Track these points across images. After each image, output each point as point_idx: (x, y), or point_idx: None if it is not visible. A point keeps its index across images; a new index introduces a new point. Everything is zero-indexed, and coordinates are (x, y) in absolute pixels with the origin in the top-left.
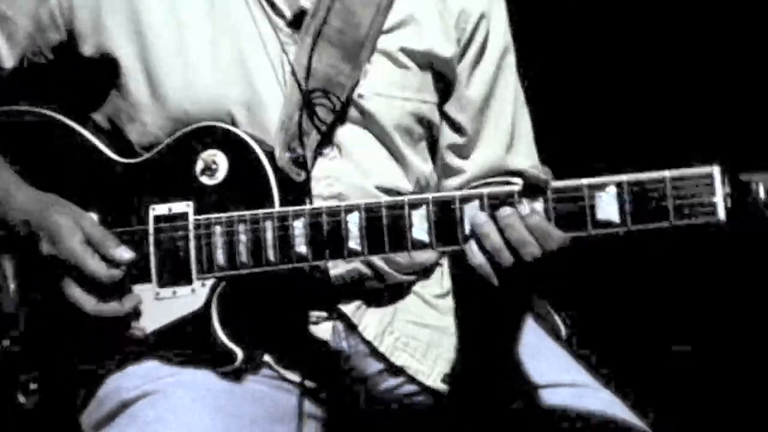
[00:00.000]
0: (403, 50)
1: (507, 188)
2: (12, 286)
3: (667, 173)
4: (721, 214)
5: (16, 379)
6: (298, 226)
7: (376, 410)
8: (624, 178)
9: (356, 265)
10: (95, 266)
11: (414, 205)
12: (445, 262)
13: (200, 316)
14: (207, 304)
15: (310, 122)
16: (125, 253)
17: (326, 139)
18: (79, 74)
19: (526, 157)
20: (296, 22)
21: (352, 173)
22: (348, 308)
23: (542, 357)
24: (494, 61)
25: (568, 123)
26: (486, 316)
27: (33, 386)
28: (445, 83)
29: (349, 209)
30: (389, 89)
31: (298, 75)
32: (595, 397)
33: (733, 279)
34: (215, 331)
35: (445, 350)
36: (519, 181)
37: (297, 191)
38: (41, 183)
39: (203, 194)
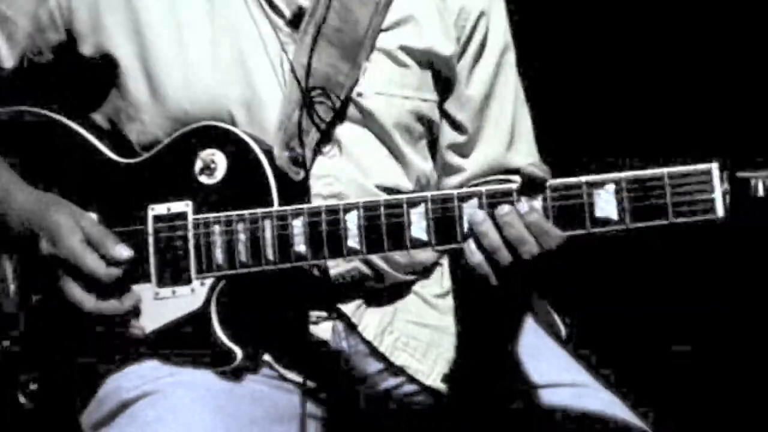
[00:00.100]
0: (402, 48)
1: (506, 186)
2: (12, 286)
3: (665, 170)
4: (720, 211)
5: (16, 379)
6: (297, 225)
7: (376, 410)
8: (622, 175)
9: (356, 264)
10: (94, 265)
11: (413, 204)
12: (445, 261)
13: (199, 316)
14: (206, 304)
15: (309, 121)
16: (124, 252)
17: (326, 138)
18: (79, 74)
19: (526, 156)
20: (295, 21)
21: (351, 172)
22: (348, 308)
23: (542, 357)
24: (494, 60)
25: (566, 121)
26: (486, 316)
27: (33, 386)
28: (444, 81)
29: (348, 208)
30: (389, 88)
31: (297, 74)
32: (595, 397)
33: (733, 276)
34: (215, 331)
35: (445, 350)
36: (519, 179)
37: (296, 190)
38: (41, 183)
39: (202, 194)
